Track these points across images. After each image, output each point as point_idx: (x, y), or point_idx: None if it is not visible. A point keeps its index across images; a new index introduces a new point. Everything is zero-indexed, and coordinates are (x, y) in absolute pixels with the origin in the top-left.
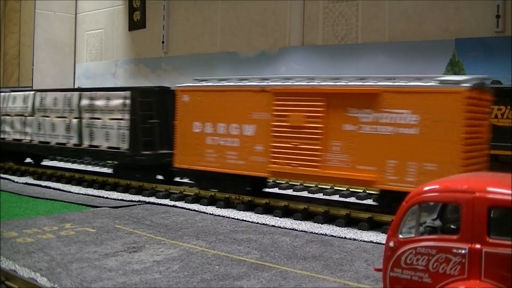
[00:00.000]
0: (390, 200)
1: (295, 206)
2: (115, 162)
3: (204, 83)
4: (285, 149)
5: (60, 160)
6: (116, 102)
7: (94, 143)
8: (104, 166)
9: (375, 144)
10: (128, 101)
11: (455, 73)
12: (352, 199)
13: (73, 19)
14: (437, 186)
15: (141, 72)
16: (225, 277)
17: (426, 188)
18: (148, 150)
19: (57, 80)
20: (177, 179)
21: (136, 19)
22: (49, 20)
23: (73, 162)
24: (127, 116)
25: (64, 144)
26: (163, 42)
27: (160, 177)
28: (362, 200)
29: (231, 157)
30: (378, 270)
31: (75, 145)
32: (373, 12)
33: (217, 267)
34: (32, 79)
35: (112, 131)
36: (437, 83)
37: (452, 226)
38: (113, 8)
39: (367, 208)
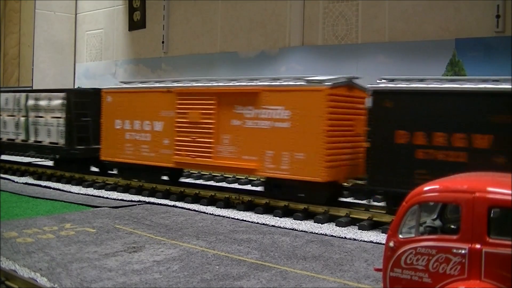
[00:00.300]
0: (271, 186)
1: (295, 206)
2: (56, 156)
3: (124, 85)
4: (185, 142)
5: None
6: (56, 102)
7: (38, 139)
8: (46, 159)
9: (256, 137)
10: (65, 101)
11: (455, 73)
12: (352, 199)
13: (73, 19)
14: (437, 186)
15: (141, 72)
16: (225, 277)
17: (426, 188)
18: (81, 145)
19: (57, 80)
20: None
21: (136, 19)
22: (49, 20)
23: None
24: (64, 115)
25: (13, 140)
26: (163, 42)
27: (95, 169)
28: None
29: (145, 150)
30: (378, 270)
31: (22, 140)
32: (373, 12)
33: (217, 267)
34: (32, 79)
35: (53, 128)
36: (304, 82)
37: (452, 226)
38: (113, 8)
39: (367, 208)
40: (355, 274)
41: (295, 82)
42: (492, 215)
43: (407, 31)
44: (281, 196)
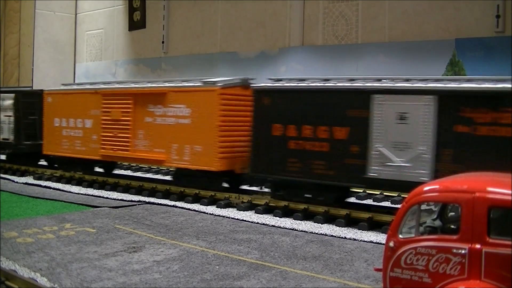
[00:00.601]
0: (179, 176)
1: (295, 206)
2: (7, 151)
3: (62, 87)
4: (109, 137)
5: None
6: (8, 102)
7: None
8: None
9: (164, 132)
10: (15, 101)
11: (455, 73)
12: (352, 199)
13: (73, 19)
14: (437, 186)
15: (141, 72)
16: (225, 277)
17: (426, 188)
18: (29, 141)
19: (57, 80)
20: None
21: (136, 19)
22: (49, 20)
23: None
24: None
25: None
26: (163, 42)
27: (45, 163)
28: (362, 200)
29: (78, 145)
30: (378, 270)
31: None
32: (373, 12)
33: (217, 267)
34: (32, 79)
35: (5, 125)
36: (201, 84)
37: (452, 226)
38: (113, 8)
39: (367, 208)
40: (355, 274)
41: (194, 84)
42: (492, 215)
43: (407, 31)
44: (187, 184)
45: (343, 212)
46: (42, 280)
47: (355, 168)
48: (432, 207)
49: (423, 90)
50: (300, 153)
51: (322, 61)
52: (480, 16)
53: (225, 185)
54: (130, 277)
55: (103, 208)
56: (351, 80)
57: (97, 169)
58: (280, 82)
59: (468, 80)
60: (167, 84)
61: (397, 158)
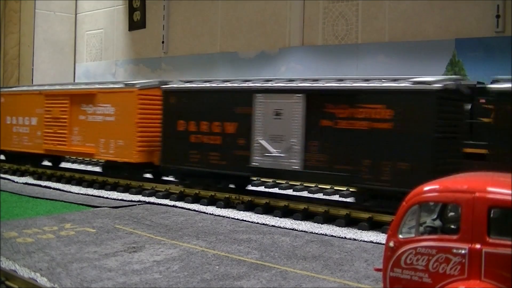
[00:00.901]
0: (107, 167)
1: (295, 206)
2: None
3: (12, 89)
4: (50, 133)
5: None
6: None
7: None
8: None
9: (94, 128)
10: None
11: (455, 73)
12: (352, 199)
13: (73, 19)
14: (437, 186)
15: (141, 72)
16: (225, 277)
17: (426, 188)
18: None
19: (57, 80)
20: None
21: (136, 19)
22: (49, 20)
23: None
24: None
25: None
26: (163, 42)
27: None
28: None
29: (25, 140)
30: (378, 270)
31: None
32: (373, 12)
33: (217, 267)
34: (32, 79)
35: None
36: (123, 85)
37: (452, 226)
38: (113, 8)
39: (367, 208)
40: (355, 274)
41: (117, 86)
42: (492, 215)
43: (407, 31)
44: (114, 175)
45: (343, 212)
46: (42, 280)
47: (242, 159)
48: (432, 207)
49: (294, 89)
50: (199, 145)
51: (322, 61)
52: (480, 16)
53: (149, 176)
54: (130, 277)
55: (103, 208)
56: (244, 81)
57: (47, 163)
58: (188, 83)
59: (340, 80)
60: (97, 86)
61: (273, 149)
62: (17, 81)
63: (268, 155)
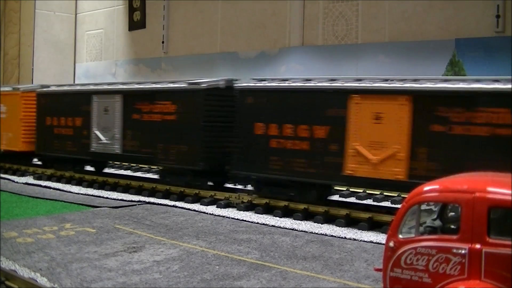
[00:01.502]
0: (7, 155)
1: (295, 206)
2: None
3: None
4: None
5: None
6: None
7: None
8: None
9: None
10: None
11: (455, 73)
12: (352, 199)
13: (73, 19)
14: (437, 186)
15: (141, 72)
16: (225, 277)
17: (426, 188)
18: None
19: (57, 80)
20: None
21: (136, 19)
22: (49, 20)
23: None
24: None
25: None
26: (163, 42)
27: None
28: (362, 200)
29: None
30: (378, 270)
31: None
32: (373, 12)
33: (217, 267)
34: (32, 79)
35: None
36: (11, 88)
37: (452, 226)
38: (113, 8)
39: (367, 208)
40: (355, 274)
41: (8, 89)
42: (492, 215)
43: (407, 31)
44: (12, 162)
45: (343, 212)
46: (42, 280)
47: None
48: (432, 207)
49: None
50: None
51: (322, 61)
52: (480, 16)
53: (38, 162)
54: (130, 277)
55: (103, 208)
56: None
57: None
58: (62, 87)
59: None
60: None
61: (103, 138)
62: (17, 81)
63: (100, 142)
